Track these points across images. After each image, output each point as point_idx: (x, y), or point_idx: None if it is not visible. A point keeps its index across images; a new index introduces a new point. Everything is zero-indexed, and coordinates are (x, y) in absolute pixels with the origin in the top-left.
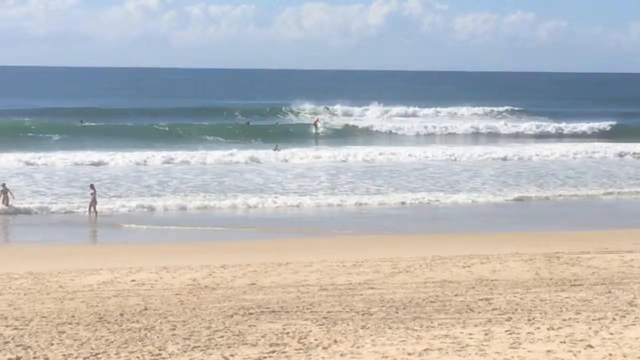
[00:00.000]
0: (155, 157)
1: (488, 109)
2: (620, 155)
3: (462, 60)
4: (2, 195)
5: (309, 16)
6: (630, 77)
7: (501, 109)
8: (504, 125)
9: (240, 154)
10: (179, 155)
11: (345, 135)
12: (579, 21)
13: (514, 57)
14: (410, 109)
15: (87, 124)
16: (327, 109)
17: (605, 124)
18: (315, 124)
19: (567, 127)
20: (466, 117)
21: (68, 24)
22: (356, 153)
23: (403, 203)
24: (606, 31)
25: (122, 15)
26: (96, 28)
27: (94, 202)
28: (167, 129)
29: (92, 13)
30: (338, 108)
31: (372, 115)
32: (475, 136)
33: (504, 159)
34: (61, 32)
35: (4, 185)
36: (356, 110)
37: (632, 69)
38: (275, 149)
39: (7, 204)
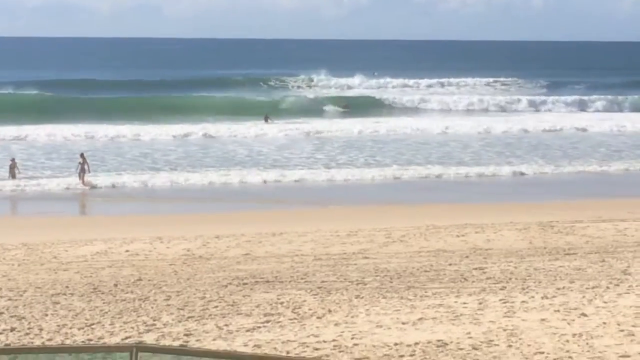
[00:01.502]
0: (153, 130)
1: (491, 79)
2: None
3: (455, 29)
4: (10, 170)
5: None
6: (624, 46)
7: (508, 79)
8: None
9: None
10: (185, 128)
11: (366, 109)
12: None
13: (507, 25)
14: (411, 81)
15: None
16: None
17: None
18: (345, 107)
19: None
20: (473, 88)
21: None
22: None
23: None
24: None
25: None
26: None
27: (83, 171)
28: (162, 101)
29: None
30: (354, 79)
31: (382, 86)
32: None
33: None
34: (55, 2)
35: (13, 159)
36: (373, 82)
37: (625, 38)
38: (265, 120)
39: (14, 177)
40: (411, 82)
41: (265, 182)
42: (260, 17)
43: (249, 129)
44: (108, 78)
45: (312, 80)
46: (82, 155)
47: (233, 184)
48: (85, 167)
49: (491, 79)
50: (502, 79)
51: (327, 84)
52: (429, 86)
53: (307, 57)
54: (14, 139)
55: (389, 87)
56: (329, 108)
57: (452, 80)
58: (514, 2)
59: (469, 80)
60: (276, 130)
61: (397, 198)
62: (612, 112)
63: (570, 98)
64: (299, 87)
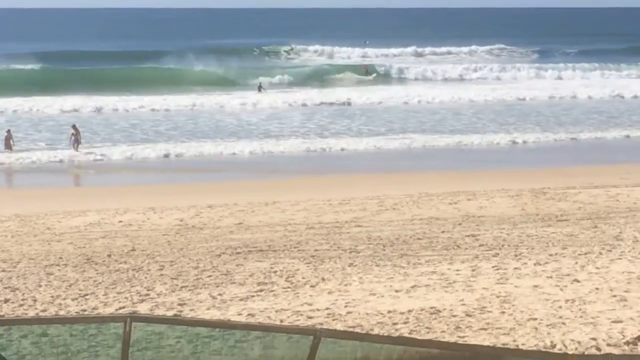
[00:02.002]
0: (150, 102)
1: (482, 47)
2: None
3: None
4: (6, 141)
5: None
6: (616, 12)
7: (500, 46)
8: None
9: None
10: (179, 100)
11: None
12: None
13: None
14: (400, 50)
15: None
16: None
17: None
18: (365, 69)
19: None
20: (464, 56)
21: None
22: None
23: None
24: None
25: None
26: None
27: (76, 142)
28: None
29: None
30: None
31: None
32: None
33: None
34: None
35: (8, 131)
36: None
37: (616, 4)
38: (259, 90)
39: (10, 149)
40: (400, 50)
41: (256, 152)
42: None
43: (244, 98)
44: (98, 49)
45: (307, 51)
46: (74, 126)
47: (225, 155)
48: (78, 138)
49: (482, 47)
50: (493, 47)
51: (323, 52)
52: (419, 55)
53: (297, 25)
54: None
55: (380, 57)
56: (347, 76)
57: (442, 49)
58: None
59: (461, 49)
60: (271, 99)
61: (389, 166)
62: (603, 78)
63: (562, 66)
64: (288, 57)
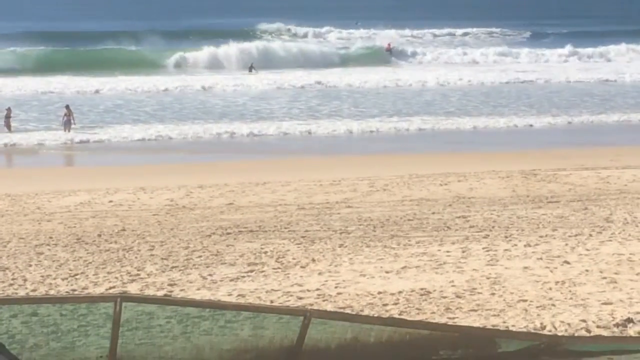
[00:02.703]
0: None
1: (473, 29)
2: None
3: None
4: (6, 120)
5: None
6: None
7: (491, 29)
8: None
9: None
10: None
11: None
12: None
13: None
14: (393, 32)
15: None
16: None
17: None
18: (388, 49)
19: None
20: (454, 38)
21: None
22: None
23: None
24: None
25: None
26: None
27: (69, 123)
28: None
29: None
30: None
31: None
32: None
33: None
34: None
35: (8, 108)
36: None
37: None
38: (250, 71)
39: (9, 128)
40: (393, 32)
41: (247, 133)
42: None
43: (237, 81)
44: (89, 29)
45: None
46: (67, 107)
47: (216, 135)
48: (71, 119)
49: (473, 29)
50: (482, 29)
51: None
52: (411, 36)
53: (292, 5)
54: None
55: (371, 37)
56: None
57: (434, 30)
58: None
59: (450, 30)
60: (263, 80)
61: (380, 148)
62: (595, 61)
63: (557, 51)
64: (279, 35)
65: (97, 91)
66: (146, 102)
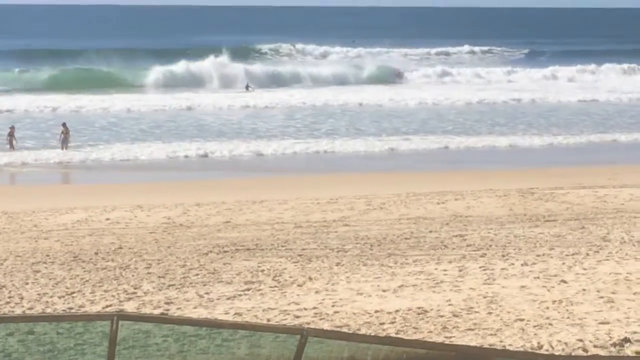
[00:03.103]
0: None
1: (471, 47)
2: None
3: None
4: (9, 138)
5: None
6: (606, 12)
7: (488, 48)
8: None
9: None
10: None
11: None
12: None
13: None
14: (390, 50)
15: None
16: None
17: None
18: (397, 75)
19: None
20: (452, 57)
21: None
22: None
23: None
24: None
25: None
26: None
27: (66, 141)
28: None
29: None
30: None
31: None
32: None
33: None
34: None
35: (12, 127)
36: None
37: (607, 4)
38: (246, 89)
39: (13, 147)
40: (390, 50)
41: (244, 152)
42: None
43: (234, 99)
44: (86, 47)
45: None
46: (63, 125)
47: (211, 154)
48: (68, 137)
49: (471, 48)
50: (481, 48)
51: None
52: (408, 55)
53: (287, 24)
54: None
55: (371, 56)
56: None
57: (432, 50)
58: None
59: (449, 49)
60: (258, 98)
61: (377, 166)
62: (587, 80)
63: (547, 70)
64: (279, 55)
65: (93, 109)
66: (142, 120)
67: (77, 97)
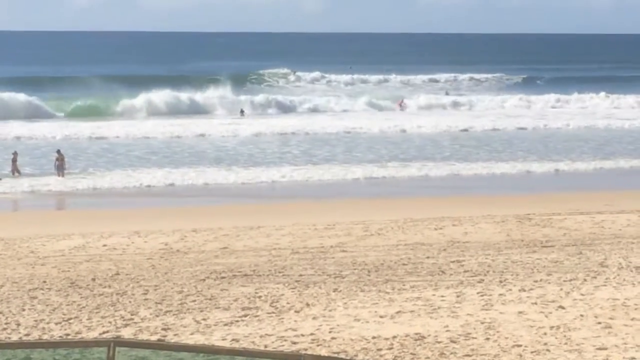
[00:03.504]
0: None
1: (471, 75)
2: None
3: (435, 22)
4: (13, 164)
5: None
6: (603, 38)
7: (487, 75)
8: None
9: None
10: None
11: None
12: None
13: (488, 18)
14: (389, 76)
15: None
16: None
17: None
18: (400, 105)
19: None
20: (452, 84)
21: None
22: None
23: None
24: None
25: None
26: None
27: (61, 168)
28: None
29: None
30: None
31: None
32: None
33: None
34: None
35: (15, 153)
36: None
37: (605, 30)
38: (241, 114)
39: (18, 173)
40: (389, 77)
41: (241, 179)
42: (237, 10)
43: (229, 125)
44: (78, 74)
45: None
46: (58, 152)
47: (209, 181)
48: (64, 164)
49: (469, 74)
50: (478, 74)
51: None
52: (406, 82)
53: (286, 50)
54: None
55: (368, 83)
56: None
57: (431, 76)
58: None
59: (449, 75)
60: (253, 124)
61: (374, 192)
62: (584, 106)
63: (545, 96)
64: (278, 81)
65: (86, 136)
66: (135, 146)
67: (71, 123)
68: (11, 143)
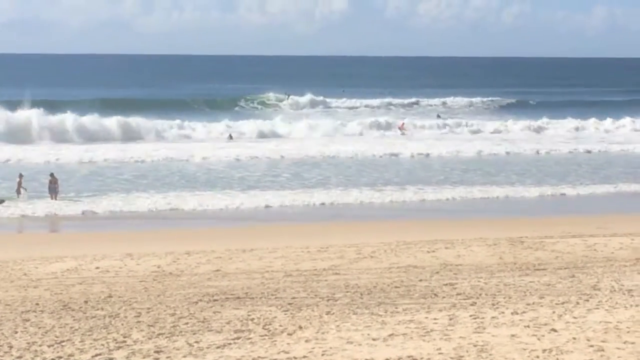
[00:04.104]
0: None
1: (463, 98)
2: None
3: (426, 45)
4: (18, 186)
5: (273, 1)
6: (594, 62)
7: (478, 99)
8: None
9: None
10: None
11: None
12: (543, 5)
13: (478, 41)
14: (380, 100)
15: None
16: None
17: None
18: (401, 128)
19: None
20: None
21: (31, 10)
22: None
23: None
24: (570, 15)
25: (85, 1)
26: (59, 13)
27: (54, 190)
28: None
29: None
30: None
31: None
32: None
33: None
34: (23, 18)
35: (20, 175)
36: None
37: (595, 54)
38: (229, 138)
39: (23, 194)
40: (379, 101)
41: (233, 204)
42: (230, 33)
43: (215, 151)
44: (72, 97)
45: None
46: (51, 175)
47: (201, 205)
48: (57, 186)
49: (461, 98)
50: (471, 98)
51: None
52: (400, 105)
53: (277, 73)
54: None
55: (360, 107)
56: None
57: (421, 100)
58: (485, 19)
59: (433, 100)
60: (241, 147)
61: (367, 215)
62: (576, 130)
63: (534, 123)
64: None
65: (80, 161)
66: (123, 170)
67: (58, 146)
68: (6, 165)
